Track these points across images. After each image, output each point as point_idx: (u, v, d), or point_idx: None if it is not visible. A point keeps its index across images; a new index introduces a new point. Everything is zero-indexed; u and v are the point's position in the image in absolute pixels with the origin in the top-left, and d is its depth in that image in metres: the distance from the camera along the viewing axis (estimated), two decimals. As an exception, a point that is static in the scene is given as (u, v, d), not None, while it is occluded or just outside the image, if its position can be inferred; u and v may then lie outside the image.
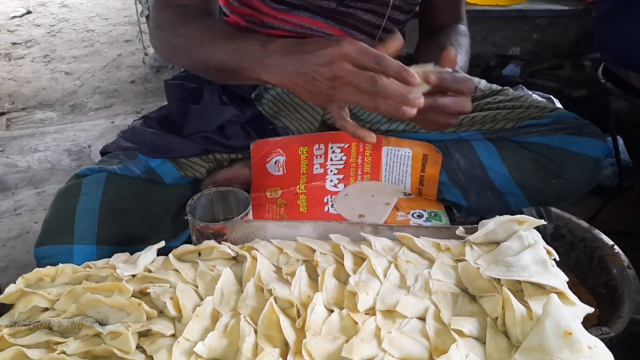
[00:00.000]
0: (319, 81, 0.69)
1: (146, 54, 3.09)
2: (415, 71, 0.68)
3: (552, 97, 1.45)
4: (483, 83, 1.07)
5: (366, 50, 0.67)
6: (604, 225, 1.31)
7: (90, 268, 0.71)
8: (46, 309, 0.66)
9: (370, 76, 0.65)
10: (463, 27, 1.05)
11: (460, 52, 0.93)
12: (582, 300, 1.14)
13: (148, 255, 0.71)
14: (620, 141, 1.67)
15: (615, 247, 1.15)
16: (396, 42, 0.72)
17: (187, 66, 0.97)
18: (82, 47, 3.48)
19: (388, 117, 0.78)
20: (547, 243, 0.68)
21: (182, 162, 0.92)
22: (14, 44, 3.58)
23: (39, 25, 3.95)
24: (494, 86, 1.06)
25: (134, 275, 0.69)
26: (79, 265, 0.72)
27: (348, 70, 0.67)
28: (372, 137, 0.73)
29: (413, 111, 0.67)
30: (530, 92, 1.45)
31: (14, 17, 4.14)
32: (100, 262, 0.71)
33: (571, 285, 1.18)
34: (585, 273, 1.19)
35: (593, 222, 1.36)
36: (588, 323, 1.07)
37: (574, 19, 1.76)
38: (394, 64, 0.66)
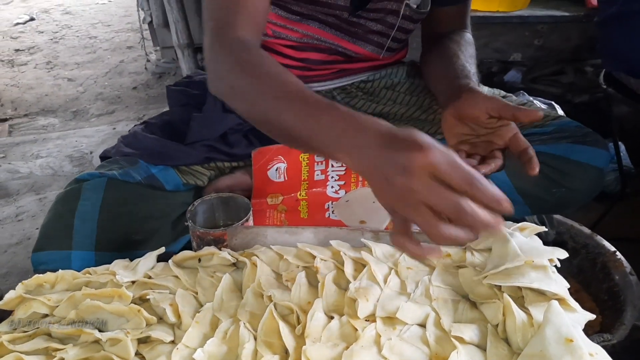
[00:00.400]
0: (395, 189, 0.54)
1: (148, 60, 3.10)
2: None
3: (553, 103, 1.44)
4: (486, 89, 1.07)
5: (458, 167, 0.52)
6: (606, 231, 1.30)
7: (90, 274, 0.71)
8: (46, 315, 0.66)
9: (455, 203, 0.51)
10: (469, 35, 1.05)
11: (470, 63, 0.92)
12: (584, 306, 1.13)
13: (148, 262, 0.71)
14: (622, 147, 1.66)
15: (618, 253, 1.14)
16: (532, 114, 0.69)
17: (244, 114, 0.76)
18: (85, 53, 3.49)
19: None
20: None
21: (184, 170, 0.92)
22: (17, 50, 3.59)
23: (42, 32, 3.97)
24: (496, 91, 1.06)
25: (133, 282, 0.69)
26: (77, 271, 0.73)
27: (429, 187, 0.52)
28: (438, 252, 0.58)
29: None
30: (531, 99, 1.45)
31: (17, 23, 4.16)
32: (100, 269, 0.71)
33: (574, 292, 1.18)
34: (588, 279, 1.18)
35: (596, 228, 1.35)
36: (591, 330, 1.06)
37: (576, 24, 1.76)
38: (488, 190, 0.52)
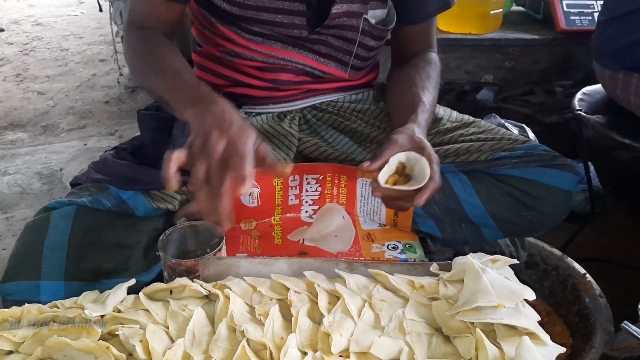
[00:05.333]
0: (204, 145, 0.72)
1: (121, 74, 3.06)
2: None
3: (524, 126, 1.47)
4: (455, 114, 1.08)
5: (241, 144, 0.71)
6: (577, 252, 1.33)
7: (58, 308, 0.69)
8: (10, 352, 0.64)
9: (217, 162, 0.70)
10: (434, 56, 1.06)
11: (427, 88, 0.95)
12: (555, 329, 1.15)
13: (118, 294, 0.70)
14: (592, 167, 1.70)
15: (587, 275, 1.17)
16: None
17: (140, 85, 1.12)
18: (56, 66, 3.44)
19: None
20: (521, 271, 0.69)
21: (154, 194, 0.91)
22: (-15, 62, 3.52)
23: (12, 44, 3.90)
24: (466, 117, 1.07)
25: (102, 316, 0.67)
26: (46, 301, 0.71)
27: (214, 143, 0.70)
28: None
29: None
30: (503, 121, 1.48)
31: (-14, 35, 4.08)
32: (68, 302, 0.70)
33: (545, 314, 1.20)
34: (559, 301, 1.20)
35: (566, 248, 1.38)
36: (562, 354, 1.08)
37: (545, 47, 1.80)
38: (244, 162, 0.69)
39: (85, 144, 2.36)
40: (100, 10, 3.28)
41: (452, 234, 0.97)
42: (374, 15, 0.98)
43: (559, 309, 1.20)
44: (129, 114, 2.69)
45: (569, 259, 1.22)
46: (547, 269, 1.24)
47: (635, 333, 0.75)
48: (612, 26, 1.30)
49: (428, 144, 0.83)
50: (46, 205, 0.85)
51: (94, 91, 3.03)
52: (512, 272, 0.68)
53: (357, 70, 1.06)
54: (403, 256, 0.93)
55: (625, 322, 0.77)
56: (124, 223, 0.87)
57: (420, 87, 0.94)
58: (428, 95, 0.93)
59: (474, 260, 0.63)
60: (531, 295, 0.62)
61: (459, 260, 0.68)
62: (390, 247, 0.95)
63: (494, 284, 0.60)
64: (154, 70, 0.89)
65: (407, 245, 0.95)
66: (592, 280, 1.15)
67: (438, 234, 0.98)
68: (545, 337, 0.60)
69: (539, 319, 0.62)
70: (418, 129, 0.85)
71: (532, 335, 0.59)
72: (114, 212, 0.87)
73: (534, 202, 0.93)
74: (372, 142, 1.02)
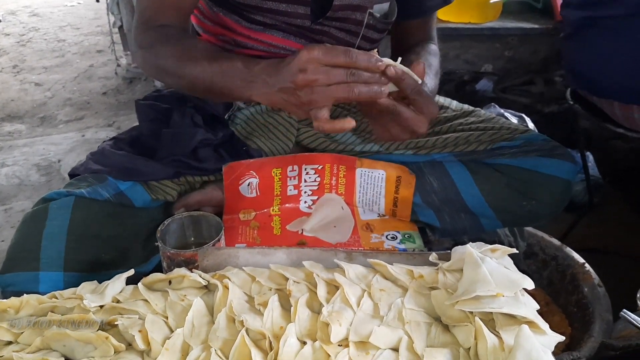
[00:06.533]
0: (300, 90, 0.72)
1: (118, 65, 3.05)
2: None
3: (524, 116, 1.47)
4: (455, 104, 1.08)
5: (332, 48, 0.70)
6: (575, 242, 1.33)
7: (57, 298, 0.69)
8: (10, 343, 0.64)
9: (344, 71, 0.70)
10: (434, 47, 1.06)
11: (429, 73, 0.93)
12: (554, 318, 1.15)
13: (116, 285, 0.69)
14: (591, 157, 1.70)
15: (586, 265, 1.17)
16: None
17: (175, 87, 0.98)
18: (53, 57, 3.42)
19: (365, 102, 0.79)
20: (520, 261, 0.69)
21: (152, 185, 0.90)
22: (-19, 53, 3.51)
23: (8, 35, 3.88)
24: (466, 107, 1.07)
25: (101, 306, 0.67)
26: (45, 292, 0.71)
27: (321, 71, 0.70)
28: (350, 122, 0.74)
29: (386, 90, 0.71)
30: (502, 111, 1.48)
31: (-18, 26, 4.06)
32: (67, 292, 0.69)
33: (544, 304, 1.20)
34: (558, 291, 1.20)
35: (565, 239, 1.38)
36: (561, 342, 1.08)
37: (544, 37, 1.79)
38: (361, 54, 0.70)
39: (83, 135, 2.36)
40: (97, 0, 3.26)
41: (451, 224, 0.97)
42: (379, 8, 0.97)
43: (557, 298, 1.21)
44: (126, 105, 2.69)
45: (568, 249, 1.22)
46: (546, 258, 1.24)
47: (634, 321, 0.75)
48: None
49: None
50: (44, 196, 0.85)
51: (91, 82, 3.02)
52: (511, 262, 0.68)
53: None
54: (402, 246, 0.93)
55: (624, 310, 0.77)
56: (122, 214, 0.87)
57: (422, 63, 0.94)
58: (430, 81, 0.92)
59: (473, 249, 0.63)
60: (530, 284, 0.62)
61: (458, 249, 0.68)
62: (389, 237, 0.95)
63: (493, 273, 0.60)
64: (193, 61, 0.83)
65: (406, 235, 0.95)
66: (591, 270, 1.15)
67: (437, 223, 0.97)
68: (544, 325, 0.60)
69: (538, 307, 0.62)
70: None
71: (531, 324, 0.59)
72: (112, 202, 0.87)
73: (533, 192, 0.93)
74: (371, 133, 1.02)
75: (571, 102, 1.34)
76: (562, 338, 0.61)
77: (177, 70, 0.85)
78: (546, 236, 1.25)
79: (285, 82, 0.73)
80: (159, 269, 0.82)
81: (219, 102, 0.98)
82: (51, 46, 3.63)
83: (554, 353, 0.58)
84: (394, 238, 0.95)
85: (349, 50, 0.70)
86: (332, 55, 0.70)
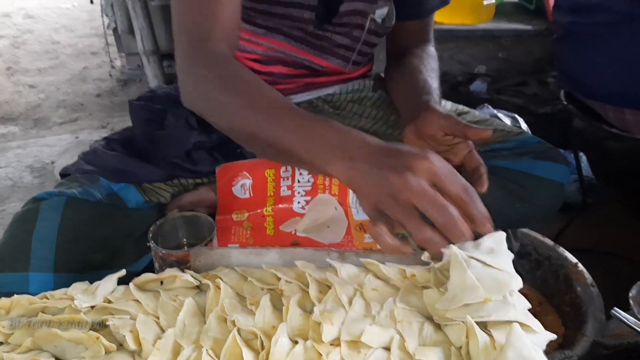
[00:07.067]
0: (391, 185, 0.57)
1: (113, 67, 3.04)
2: None
3: (516, 116, 1.47)
4: (449, 104, 1.08)
5: (457, 176, 0.58)
6: (569, 242, 1.33)
7: (48, 299, 0.68)
8: (0, 343, 0.64)
9: (446, 207, 0.56)
10: (432, 49, 1.06)
11: (432, 77, 0.94)
12: (547, 318, 1.15)
13: (108, 285, 0.69)
14: (584, 158, 1.70)
15: (579, 265, 1.17)
16: (481, 133, 0.73)
17: (226, 129, 0.78)
18: (47, 59, 3.41)
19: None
20: (513, 262, 0.68)
21: (146, 187, 0.90)
22: (-25, 55, 3.49)
23: (2, 37, 3.86)
24: (460, 107, 1.07)
25: (93, 306, 0.67)
26: (35, 293, 0.70)
27: (426, 189, 0.56)
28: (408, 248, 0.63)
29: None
30: (495, 112, 1.48)
31: (-24, 27, 4.05)
32: (58, 293, 0.69)
33: (537, 304, 1.20)
34: (551, 291, 1.20)
35: (559, 239, 1.37)
36: (554, 342, 1.08)
37: (538, 38, 1.80)
38: (480, 206, 0.59)
39: (77, 137, 2.35)
40: (92, 2, 3.26)
41: (445, 225, 0.97)
42: (380, 14, 0.97)
43: (551, 298, 1.20)
44: (121, 107, 2.68)
45: (561, 249, 1.22)
46: (539, 258, 1.23)
47: (624, 319, 0.75)
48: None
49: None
50: (35, 196, 0.85)
51: (85, 84, 3.01)
52: (502, 247, 0.67)
53: (357, 65, 1.06)
54: (395, 246, 0.93)
55: (615, 308, 0.78)
56: (114, 215, 0.86)
57: (428, 76, 0.94)
58: (435, 84, 0.92)
59: (457, 251, 0.62)
60: (518, 284, 0.61)
61: (451, 248, 0.68)
62: (382, 237, 0.95)
63: (480, 276, 0.60)
64: (265, 107, 0.70)
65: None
66: (584, 270, 1.15)
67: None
68: (536, 325, 0.59)
69: (530, 306, 0.62)
70: (439, 107, 0.81)
71: (522, 324, 0.59)
72: (104, 203, 0.86)
73: (527, 194, 0.93)
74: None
75: (565, 103, 1.35)
76: (553, 336, 0.60)
77: (241, 110, 0.71)
78: (539, 236, 1.24)
79: (384, 172, 0.58)
80: (150, 268, 0.82)
81: (274, 160, 0.84)
82: (45, 48, 3.62)
83: (546, 352, 0.58)
84: (387, 238, 0.94)
85: (471, 191, 0.58)
86: (452, 182, 0.57)
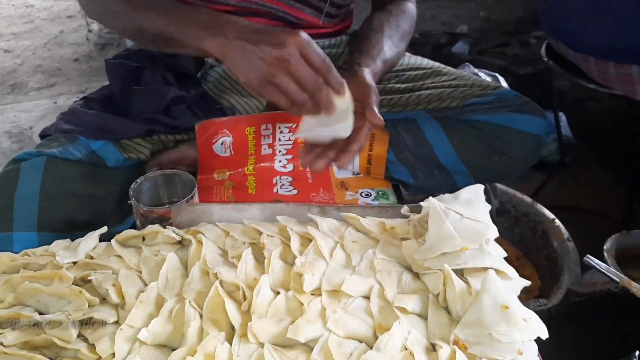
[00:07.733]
0: (264, 60, 0.69)
1: (90, 31, 2.98)
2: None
3: (497, 75, 1.48)
4: (426, 61, 1.08)
5: (320, 51, 0.69)
6: (547, 200, 1.36)
7: (29, 256, 0.68)
8: (-18, 300, 0.64)
9: (315, 77, 0.69)
10: (410, 6, 1.05)
11: (393, 39, 0.94)
12: (525, 273, 1.19)
13: (89, 242, 0.70)
14: (563, 117, 1.72)
15: (556, 220, 1.20)
16: (374, 118, 0.78)
17: (119, 30, 0.96)
18: (22, 23, 3.32)
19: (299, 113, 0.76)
20: (492, 218, 0.70)
21: (125, 144, 0.90)
22: (-54, 20, 3.39)
23: (-26, 0, 3.75)
24: (437, 64, 1.06)
25: (74, 263, 0.67)
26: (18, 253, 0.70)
27: (299, 60, 0.68)
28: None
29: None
30: (476, 70, 1.48)
31: (-54, -9, 3.91)
32: (40, 250, 0.69)
33: (515, 259, 1.23)
34: (529, 247, 1.23)
35: (537, 196, 1.40)
36: (530, 295, 1.12)
37: (519, -3, 1.80)
38: (337, 75, 0.71)
39: (55, 102, 2.31)
40: (66, -37, 3.16)
41: (425, 181, 0.98)
42: None
43: (528, 254, 1.24)
44: (99, 71, 2.63)
45: (539, 206, 1.25)
46: (518, 215, 1.27)
47: (596, 265, 0.77)
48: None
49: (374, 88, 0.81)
50: (15, 157, 0.84)
51: (62, 48, 2.94)
52: (478, 201, 0.69)
53: (331, 17, 1.04)
54: (376, 203, 0.94)
55: (588, 255, 0.80)
56: (95, 173, 0.86)
57: (387, 36, 0.93)
58: (391, 45, 0.92)
59: (437, 203, 0.63)
60: (494, 233, 0.63)
61: (431, 200, 0.69)
62: (363, 194, 0.96)
63: (457, 226, 0.61)
64: (146, 5, 0.80)
65: (380, 193, 0.96)
66: (561, 225, 1.18)
67: (411, 181, 0.98)
68: (511, 271, 0.61)
69: (505, 255, 0.63)
70: (369, 76, 0.83)
71: (497, 271, 0.60)
72: (84, 162, 0.86)
73: (505, 147, 0.94)
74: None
75: (546, 59, 1.35)
76: (527, 282, 0.62)
77: (126, 13, 0.82)
78: (518, 194, 1.27)
79: (254, 42, 0.69)
80: (134, 229, 0.82)
81: (165, 51, 0.92)
82: (19, 12, 3.52)
83: (522, 302, 0.60)
84: (368, 195, 0.95)
85: (330, 63, 0.70)
86: (315, 54, 0.69)
